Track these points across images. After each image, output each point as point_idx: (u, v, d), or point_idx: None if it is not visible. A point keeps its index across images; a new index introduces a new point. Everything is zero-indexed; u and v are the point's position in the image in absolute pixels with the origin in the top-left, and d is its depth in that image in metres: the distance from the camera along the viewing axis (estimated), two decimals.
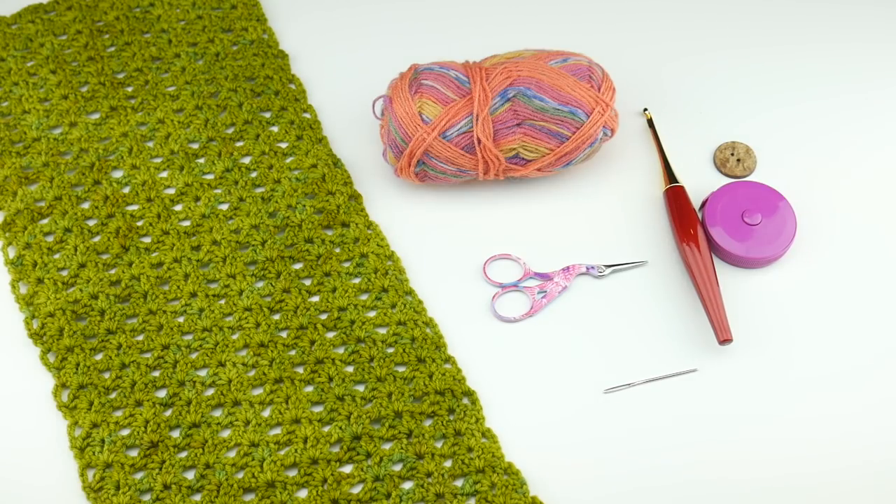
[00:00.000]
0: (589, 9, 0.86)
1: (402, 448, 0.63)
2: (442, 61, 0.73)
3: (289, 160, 0.76)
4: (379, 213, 0.74)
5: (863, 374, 0.67)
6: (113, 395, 0.65)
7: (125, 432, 0.64)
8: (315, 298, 0.69)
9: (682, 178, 0.74)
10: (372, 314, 0.69)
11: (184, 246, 0.71)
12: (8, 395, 0.66)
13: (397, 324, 0.68)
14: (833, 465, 0.63)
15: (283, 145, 0.77)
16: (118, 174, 0.75)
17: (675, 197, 0.72)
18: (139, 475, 0.63)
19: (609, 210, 0.74)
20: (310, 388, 0.66)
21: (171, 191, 0.74)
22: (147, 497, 0.62)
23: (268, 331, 0.68)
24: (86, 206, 0.73)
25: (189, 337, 0.68)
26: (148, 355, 0.67)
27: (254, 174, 0.75)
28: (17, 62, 0.81)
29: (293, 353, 0.67)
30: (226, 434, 0.64)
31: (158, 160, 0.76)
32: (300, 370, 0.66)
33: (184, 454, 0.63)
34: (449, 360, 0.67)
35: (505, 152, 0.70)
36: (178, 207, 0.73)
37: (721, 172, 0.76)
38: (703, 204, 0.73)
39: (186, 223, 0.73)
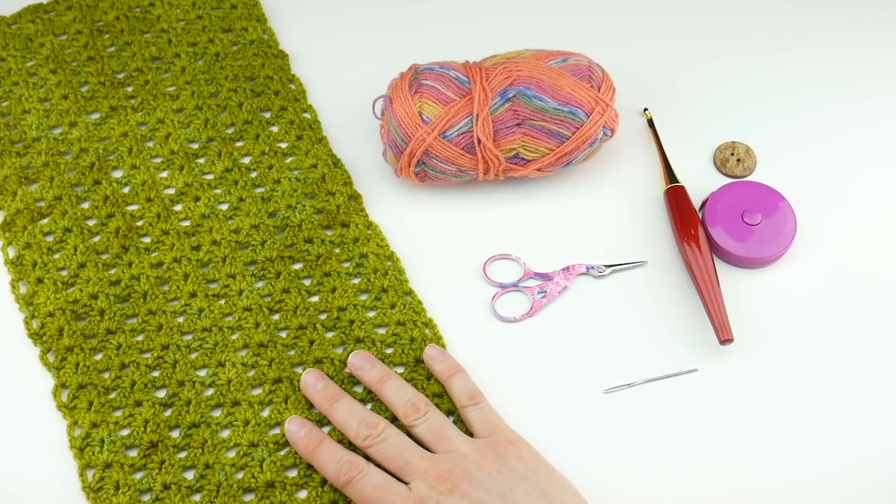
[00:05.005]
0: (589, 9, 0.86)
1: None
2: (442, 61, 0.73)
3: (289, 160, 0.76)
4: (379, 214, 0.74)
5: (864, 374, 0.67)
6: (112, 395, 0.65)
7: (125, 432, 0.64)
8: (314, 298, 0.69)
9: (682, 178, 0.74)
10: (371, 314, 0.69)
11: (183, 246, 0.71)
12: (8, 395, 0.66)
13: (396, 324, 0.68)
14: (834, 465, 0.63)
15: (283, 145, 0.77)
16: (118, 174, 0.75)
17: (676, 197, 0.72)
18: (139, 475, 0.63)
19: (609, 210, 0.74)
20: None
21: (171, 191, 0.74)
22: (147, 497, 0.62)
23: (267, 331, 0.68)
24: (86, 205, 0.73)
25: (189, 337, 0.68)
26: (147, 355, 0.67)
27: (254, 174, 0.75)
28: (17, 62, 0.81)
29: (293, 353, 0.67)
30: (225, 434, 0.64)
31: (158, 160, 0.76)
32: (300, 370, 0.66)
33: (183, 454, 0.63)
34: None
35: (505, 152, 0.70)
36: (178, 207, 0.73)
37: (721, 172, 0.76)
38: (704, 204, 0.73)
39: (186, 223, 0.73)
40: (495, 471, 0.58)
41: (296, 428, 0.62)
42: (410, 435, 0.61)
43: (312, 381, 0.64)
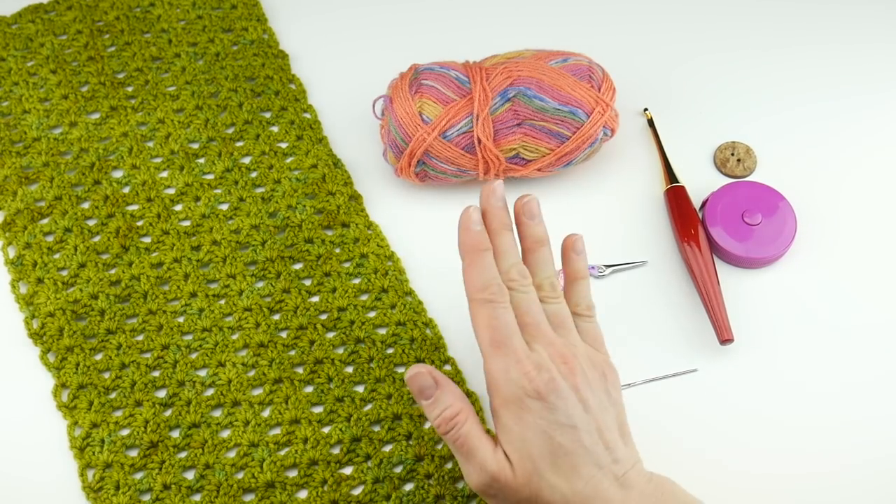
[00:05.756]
0: (589, 9, 0.86)
1: (401, 450, 0.63)
2: (442, 61, 0.73)
3: (289, 160, 0.76)
4: (379, 214, 0.74)
5: (864, 374, 0.67)
6: (113, 395, 0.65)
7: (125, 432, 0.64)
8: (315, 299, 0.69)
9: (683, 178, 0.74)
10: (372, 314, 0.69)
11: (184, 246, 0.71)
12: (8, 395, 0.66)
13: (397, 324, 0.68)
14: (834, 465, 0.63)
15: (284, 145, 0.77)
16: (118, 174, 0.75)
17: (676, 197, 0.72)
18: (139, 475, 0.63)
19: (609, 210, 0.74)
20: (309, 389, 0.66)
21: (171, 191, 0.74)
22: (147, 497, 0.62)
23: (267, 331, 0.68)
24: (86, 205, 0.73)
25: (189, 337, 0.68)
26: (148, 355, 0.67)
27: (254, 174, 0.75)
28: (18, 62, 0.81)
29: (293, 353, 0.67)
30: (225, 434, 0.64)
31: (158, 160, 0.76)
32: (300, 370, 0.66)
33: (183, 454, 0.63)
34: (448, 361, 0.67)
35: (505, 152, 0.70)
36: (178, 207, 0.73)
37: (721, 172, 0.76)
38: (704, 204, 0.73)
39: (186, 223, 0.73)
40: (600, 385, 0.56)
41: (475, 220, 0.57)
42: None
43: (498, 196, 0.59)
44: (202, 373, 0.67)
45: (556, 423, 0.53)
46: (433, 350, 0.67)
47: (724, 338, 0.66)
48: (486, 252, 0.57)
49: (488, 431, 0.63)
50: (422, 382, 0.56)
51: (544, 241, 0.60)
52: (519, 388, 0.54)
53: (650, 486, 0.55)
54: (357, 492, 0.62)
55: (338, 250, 0.71)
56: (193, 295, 0.69)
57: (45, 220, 0.73)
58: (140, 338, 0.68)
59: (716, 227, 0.71)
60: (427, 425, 0.64)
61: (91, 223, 0.73)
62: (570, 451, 0.53)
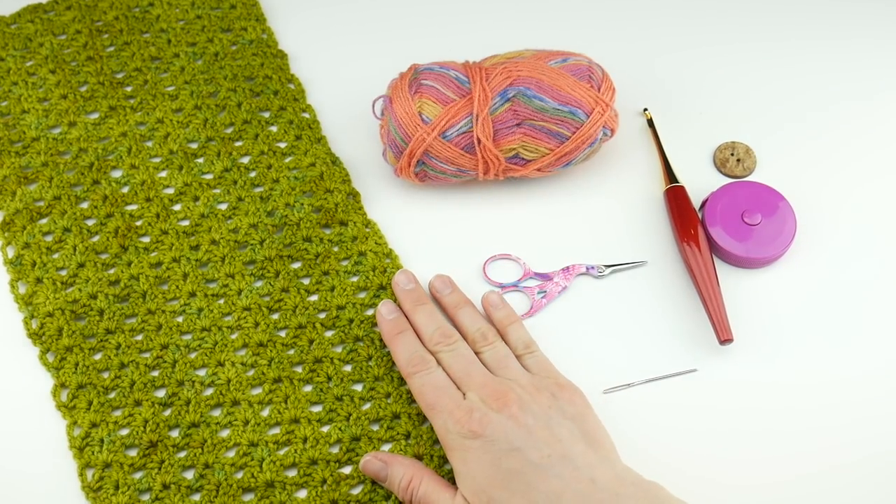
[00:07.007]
0: (589, 9, 0.86)
1: (400, 449, 0.63)
2: (442, 61, 0.73)
3: (287, 160, 0.76)
4: (379, 214, 0.74)
5: (863, 374, 0.67)
6: (112, 395, 0.65)
7: (124, 432, 0.64)
8: (314, 297, 0.69)
9: (682, 178, 0.74)
10: (370, 312, 0.69)
11: (183, 245, 0.71)
12: (7, 395, 0.66)
13: None
14: (833, 465, 0.63)
15: (282, 145, 0.77)
16: (117, 174, 0.75)
17: (676, 197, 0.72)
18: (138, 475, 0.63)
19: (609, 210, 0.74)
20: (308, 388, 0.66)
21: (170, 190, 0.74)
22: (146, 497, 0.62)
23: (267, 330, 0.67)
24: (85, 205, 0.73)
25: (188, 336, 0.68)
26: (147, 355, 0.67)
27: (252, 174, 0.75)
28: (17, 62, 0.81)
29: (292, 352, 0.67)
30: (225, 434, 0.64)
31: (157, 160, 0.76)
32: (299, 369, 0.66)
33: (183, 454, 0.63)
34: None
35: (505, 152, 0.70)
36: (177, 207, 0.73)
37: (721, 172, 0.76)
38: (703, 204, 0.73)
39: (185, 223, 0.73)
40: (546, 405, 0.60)
41: (387, 311, 0.66)
42: None
43: (404, 281, 0.68)
44: (201, 372, 0.66)
45: (499, 451, 0.57)
46: None
47: (724, 338, 0.66)
48: (402, 334, 0.65)
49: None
50: (372, 468, 0.61)
51: (462, 303, 0.68)
52: (457, 435, 0.58)
53: (630, 488, 0.56)
54: (357, 491, 0.62)
55: (336, 249, 0.71)
56: (192, 294, 0.69)
57: (44, 220, 0.73)
58: (139, 337, 0.68)
59: (715, 227, 0.71)
60: (425, 424, 0.64)
61: (90, 223, 0.73)
62: (519, 470, 0.56)
